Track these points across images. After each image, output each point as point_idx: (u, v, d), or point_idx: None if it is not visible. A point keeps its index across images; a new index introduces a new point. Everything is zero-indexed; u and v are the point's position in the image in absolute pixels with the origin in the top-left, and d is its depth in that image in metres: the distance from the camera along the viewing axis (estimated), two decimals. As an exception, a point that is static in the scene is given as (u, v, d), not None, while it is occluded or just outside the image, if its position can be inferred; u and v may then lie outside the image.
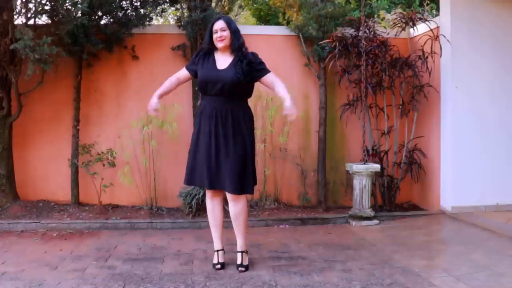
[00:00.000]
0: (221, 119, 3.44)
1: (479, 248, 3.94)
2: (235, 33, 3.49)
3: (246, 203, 3.60)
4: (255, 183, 3.59)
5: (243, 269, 3.50)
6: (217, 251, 3.61)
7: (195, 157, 3.53)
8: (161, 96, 3.57)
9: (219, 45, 3.47)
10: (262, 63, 3.55)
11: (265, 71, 3.53)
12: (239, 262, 3.56)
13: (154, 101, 3.51)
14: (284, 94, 3.36)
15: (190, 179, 3.57)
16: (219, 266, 3.55)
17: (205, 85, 3.48)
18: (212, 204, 3.63)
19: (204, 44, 3.62)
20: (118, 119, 5.57)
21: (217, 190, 3.55)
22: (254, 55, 3.54)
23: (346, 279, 3.29)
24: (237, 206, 3.52)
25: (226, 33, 3.45)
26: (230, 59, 3.49)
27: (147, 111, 3.62)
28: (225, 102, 3.45)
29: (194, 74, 3.60)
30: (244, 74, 3.42)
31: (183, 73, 3.65)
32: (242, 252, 3.58)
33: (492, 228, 4.52)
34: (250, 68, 3.45)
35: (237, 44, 3.47)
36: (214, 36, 3.47)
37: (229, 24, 3.48)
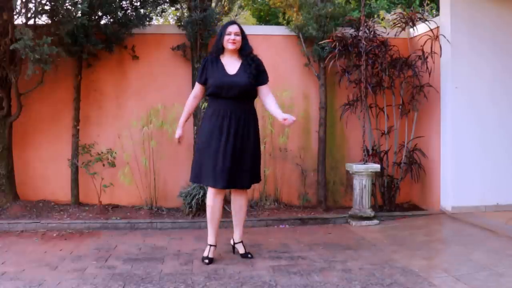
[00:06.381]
0: (236, 120, 3.63)
1: (479, 248, 3.94)
2: (247, 41, 3.72)
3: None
4: (260, 172, 3.87)
5: (250, 255, 3.80)
6: (210, 245, 3.74)
7: (205, 156, 3.65)
8: (184, 123, 3.86)
9: (229, 47, 3.66)
10: (266, 71, 3.77)
11: (266, 80, 3.75)
12: (243, 251, 3.83)
13: (178, 132, 3.82)
14: (277, 110, 3.66)
15: (196, 178, 3.72)
16: (207, 261, 3.66)
17: (220, 89, 3.64)
18: (214, 201, 3.71)
19: (214, 46, 3.77)
20: (118, 119, 5.57)
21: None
22: (260, 60, 3.77)
23: (346, 279, 3.29)
24: (243, 199, 3.80)
25: (239, 38, 3.68)
26: (238, 64, 3.70)
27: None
28: (239, 104, 3.66)
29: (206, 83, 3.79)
30: (254, 77, 3.64)
31: (198, 88, 3.82)
32: (241, 242, 3.86)
33: (492, 228, 4.52)
34: (257, 72, 3.67)
35: (248, 50, 3.71)
36: (227, 37, 3.66)
37: (243, 31, 3.71)
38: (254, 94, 3.73)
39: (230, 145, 3.59)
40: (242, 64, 3.68)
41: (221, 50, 3.71)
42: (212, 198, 3.71)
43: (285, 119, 3.53)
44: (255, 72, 3.64)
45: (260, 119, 5.41)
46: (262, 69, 3.73)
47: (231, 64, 3.69)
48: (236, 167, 3.61)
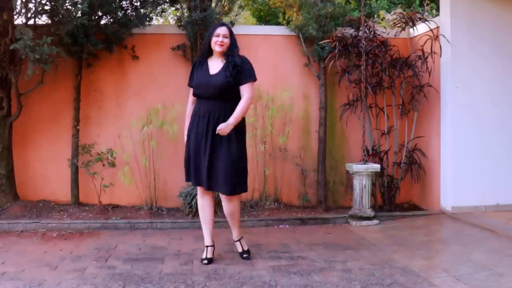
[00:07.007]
0: (214, 121, 3.58)
1: (479, 248, 3.94)
2: (234, 43, 3.66)
3: (239, 201, 3.79)
4: (245, 182, 3.69)
5: (247, 255, 3.77)
6: (207, 246, 3.74)
7: (189, 155, 3.70)
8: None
9: (217, 48, 3.62)
10: (248, 70, 3.62)
11: (244, 80, 3.59)
12: (240, 250, 3.81)
13: (186, 138, 3.75)
14: (235, 114, 3.51)
15: (187, 176, 3.78)
16: (206, 261, 3.65)
17: (198, 89, 3.67)
18: (202, 200, 3.76)
19: (202, 47, 3.79)
20: (118, 119, 5.56)
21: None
22: (242, 59, 3.64)
23: (346, 279, 3.29)
24: (230, 205, 3.69)
25: (227, 41, 3.62)
26: (221, 64, 3.63)
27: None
28: (218, 104, 3.59)
29: None
30: (231, 76, 3.54)
31: (191, 91, 3.80)
32: (240, 240, 3.85)
33: (492, 228, 4.52)
34: (236, 71, 3.56)
35: (232, 50, 3.63)
36: (215, 39, 3.61)
37: (231, 33, 3.66)
38: (235, 94, 3.59)
39: (208, 146, 3.55)
40: (224, 64, 3.61)
41: (208, 51, 3.67)
42: (200, 196, 3.76)
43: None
44: (233, 72, 3.53)
45: (260, 119, 5.47)
46: (243, 69, 3.57)
47: (215, 65, 3.65)
48: (215, 169, 3.54)
